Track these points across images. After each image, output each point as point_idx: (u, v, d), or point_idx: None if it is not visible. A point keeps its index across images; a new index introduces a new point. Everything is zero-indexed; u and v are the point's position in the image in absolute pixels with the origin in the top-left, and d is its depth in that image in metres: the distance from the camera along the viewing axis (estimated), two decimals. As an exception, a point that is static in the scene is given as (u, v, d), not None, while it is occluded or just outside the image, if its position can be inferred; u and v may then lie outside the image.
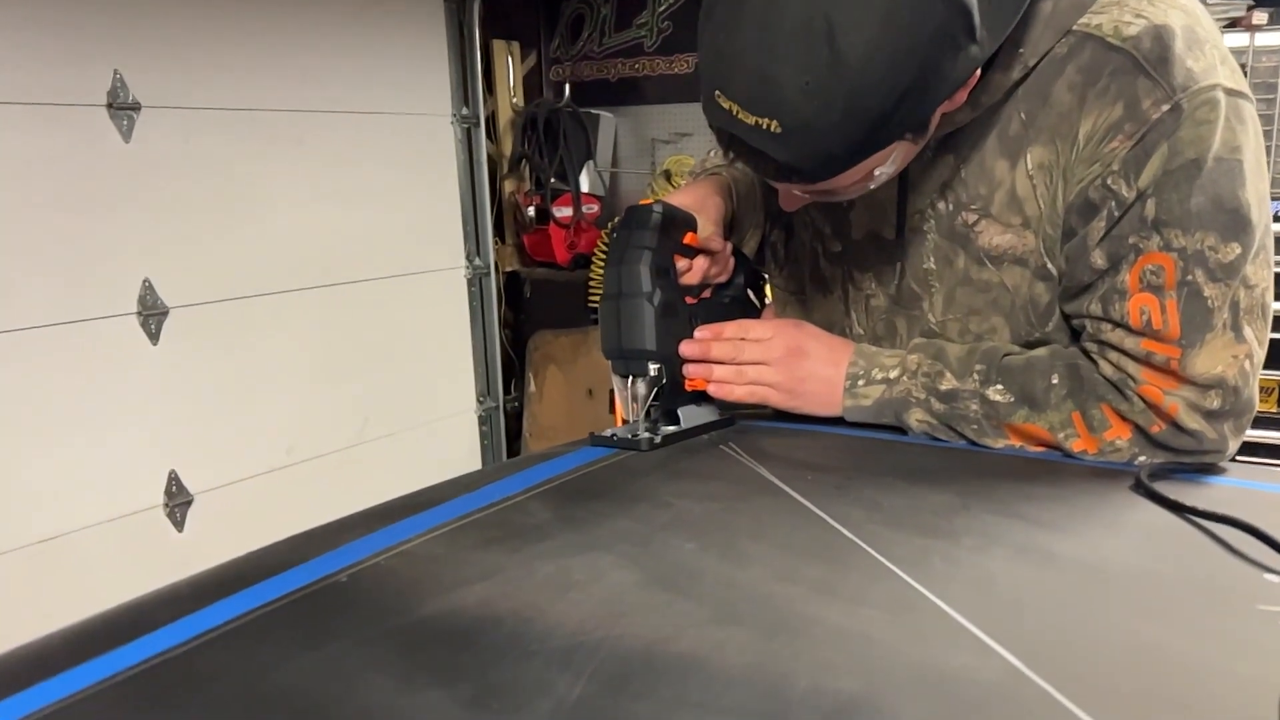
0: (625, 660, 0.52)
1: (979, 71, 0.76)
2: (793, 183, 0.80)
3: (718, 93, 0.74)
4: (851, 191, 0.82)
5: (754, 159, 0.76)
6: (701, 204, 0.97)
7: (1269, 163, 0.84)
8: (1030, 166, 0.86)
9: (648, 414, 0.93)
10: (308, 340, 2.33)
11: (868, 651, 0.53)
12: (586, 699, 0.49)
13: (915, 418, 0.92)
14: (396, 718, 0.48)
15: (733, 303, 1.03)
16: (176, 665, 0.54)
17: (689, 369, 0.94)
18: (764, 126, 0.72)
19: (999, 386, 0.88)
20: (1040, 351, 0.89)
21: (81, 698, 0.51)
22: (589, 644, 0.53)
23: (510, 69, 3.14)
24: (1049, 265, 0.87)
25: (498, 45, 3.10)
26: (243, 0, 2.13)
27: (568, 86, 3.25)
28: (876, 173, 0.79)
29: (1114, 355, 0.84)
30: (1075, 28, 0.82)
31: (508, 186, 3.13)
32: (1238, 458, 0.87)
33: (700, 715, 0.47)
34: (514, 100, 3.15)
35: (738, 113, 0.73)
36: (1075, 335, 0.89)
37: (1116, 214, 0.81)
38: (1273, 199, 0.86)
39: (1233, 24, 2.26)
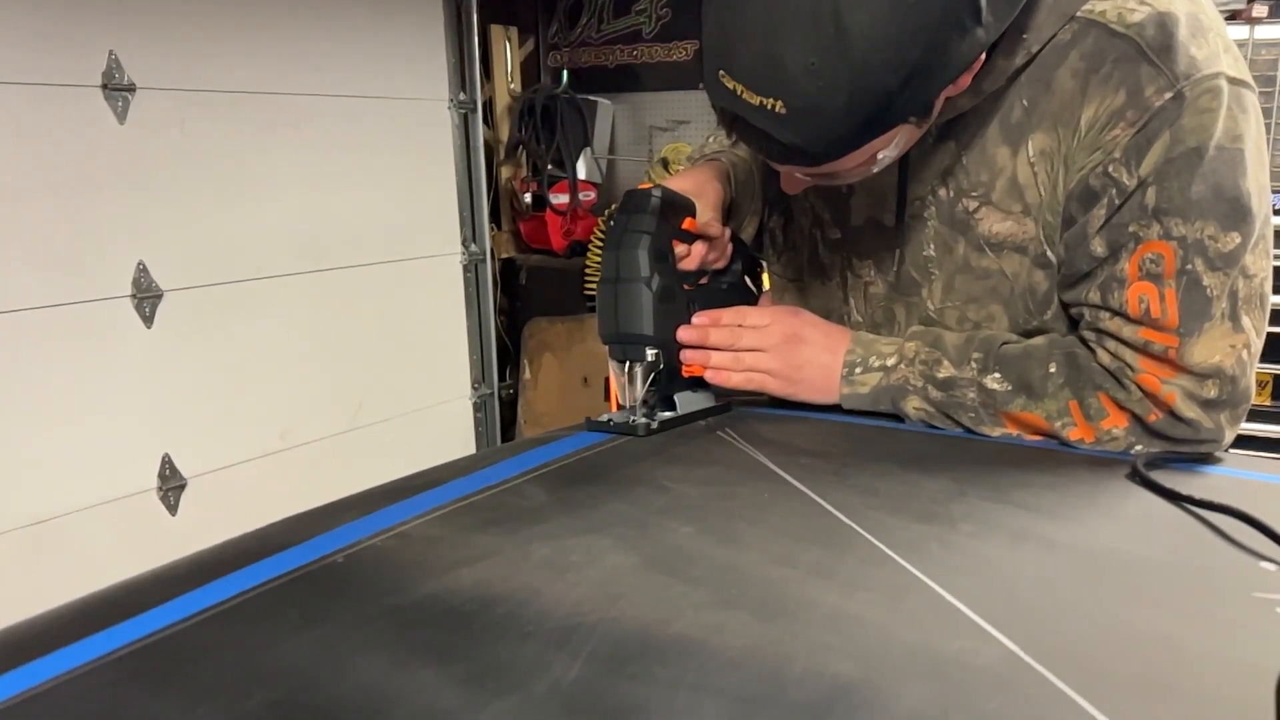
0: (622, 642, 0.52)
1: (983, 56, 0.76)
2: (796, 165, 0.80)
3: (722, 72, 0.73)
4: (854, 175, 0.82)
5: (757, 140, 0.76)
6: (700, 189, 0.97)
7: (1269, 154, 0.84)
8: (1032, 153, 0.85)
9: (644, 400, 0.93)
10: (302, 325, 2.32)
11: (864, 635, 0.53)
12: (583, 680, 0.48)
13: (912, 405, 0.92)
14: (391, 697, 0.48)
15: (730, 289, 1.02)
16: (171, 644, 0.53)
17: (686, 355, 0.94)
18: (768, 107, 0.72)
19: (996, 375, 0.88)
20: (1038, 340, 0.89)
21: (76, 675, 0.51)
22: (586, 625, 0.53)
23: (508, 54, 3.12)
24: (1048, 253, 0.87)
25: (496, 30, 3.08)
26: (239, -19, 2.12)
27: (565, 73, 3.24)
28: (880, 156, 0.79)
29: (1112, 344, 0.84)
30: (1079, 14, 0.82)
31: (504, 173, 3.12)
32: (1232, 450, 0.87)
33: (697, 696, 0.47)
34: (511, 86, 3.13)
35: (742, 93, 0.72)
36: (1073, 324, 0.89)
37: (1117, 202, 0.81)
38: (1273, 190, 0.86)
39: (1233, 16, 2.26)
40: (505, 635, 0.53)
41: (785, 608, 0.56)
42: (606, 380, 0.95)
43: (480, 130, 2.73)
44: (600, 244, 2.88)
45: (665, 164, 3.05)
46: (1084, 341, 0.87)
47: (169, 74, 2.00)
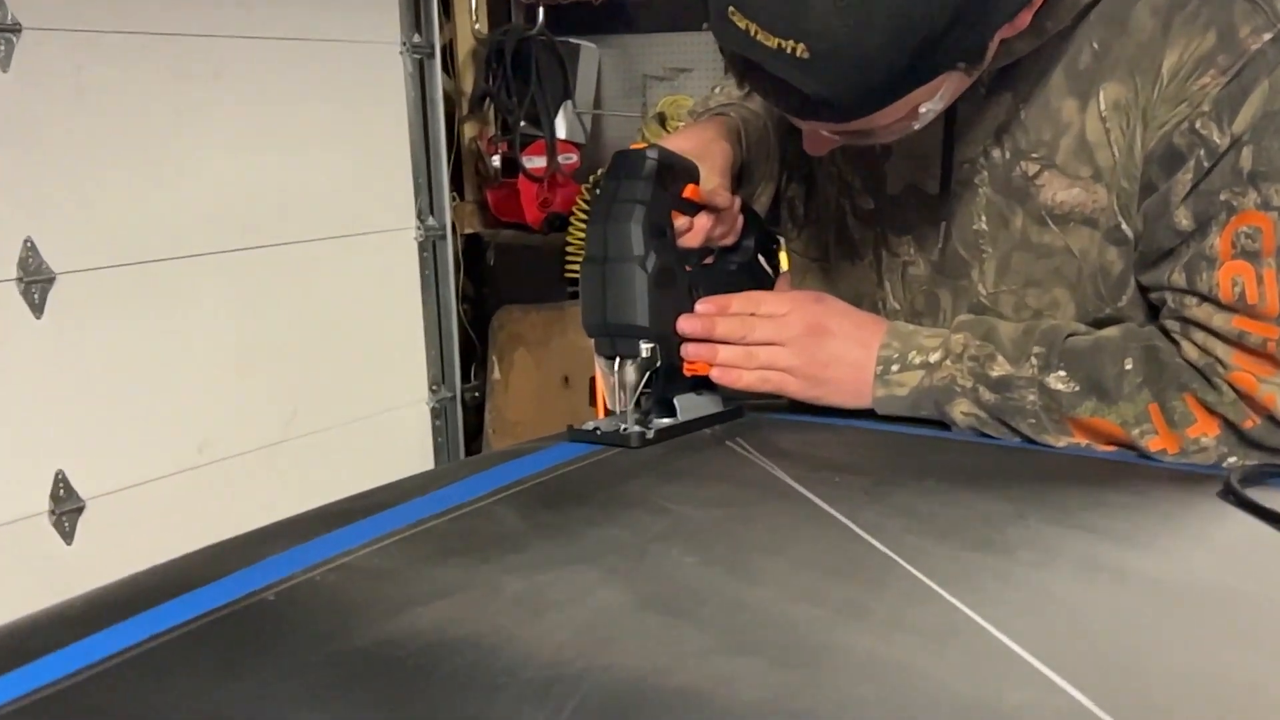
0: (613, 695, 0.52)
1: (1046, -11, 0.77)
2: (821, 120, 0.80)
3: (732, 9, 0.74)
4: (891, 133, 0.82)
5: (775, 91, 0.76)
6: (705, 150, 0.97)
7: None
8: (1103, 107, 0.86)
9: (638, 404, 0.93)
10: (225, 314, 2.32)
11: (905, 686, 0.53)
12: (566, 741, 0.48)
13: (960, 410, 0.92)
14: (335, 763, 0.48)
15: (741, 270, 1.03)
16: (64, 700, 0.53)
17: (689, 350, 0.94)
18: (788, 50, 0.72)
19: (1061, 373, 0.88)
20: (1111, 331, 0.90)
21: (-50, 738, 0.50)
22: (569, 676, 0.53)
23: (472, -12, 3.12)
24: (1123, 226, 0.88)
25: (457, -41, 3.08)
26: (147, -100, 2.12)
27: (541, 10, 3.24)
28: (922, 110, 0.80)
29: (1200, 335, 0.85)
30: (1160, -60, 0.82)
31: (468, 131, 3.12)
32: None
33: (704, 761, 0.47)
34: (476, 27, 3.13)
35: (756, 34, 0.73)
36: (1154, 311, 0.90)
37: (1206, 165, 0.82)
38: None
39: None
40: (471, 688, 0.53)
41: (808, 653, 0.56)
42: (592, 381, 0.96)
43: (439, 80, 2.73)
44: (584, 217, 2.89)
45: (662, 120, 3.06)
46: (1166, 333, 0.88)
47: (62, 11, 1.99)
